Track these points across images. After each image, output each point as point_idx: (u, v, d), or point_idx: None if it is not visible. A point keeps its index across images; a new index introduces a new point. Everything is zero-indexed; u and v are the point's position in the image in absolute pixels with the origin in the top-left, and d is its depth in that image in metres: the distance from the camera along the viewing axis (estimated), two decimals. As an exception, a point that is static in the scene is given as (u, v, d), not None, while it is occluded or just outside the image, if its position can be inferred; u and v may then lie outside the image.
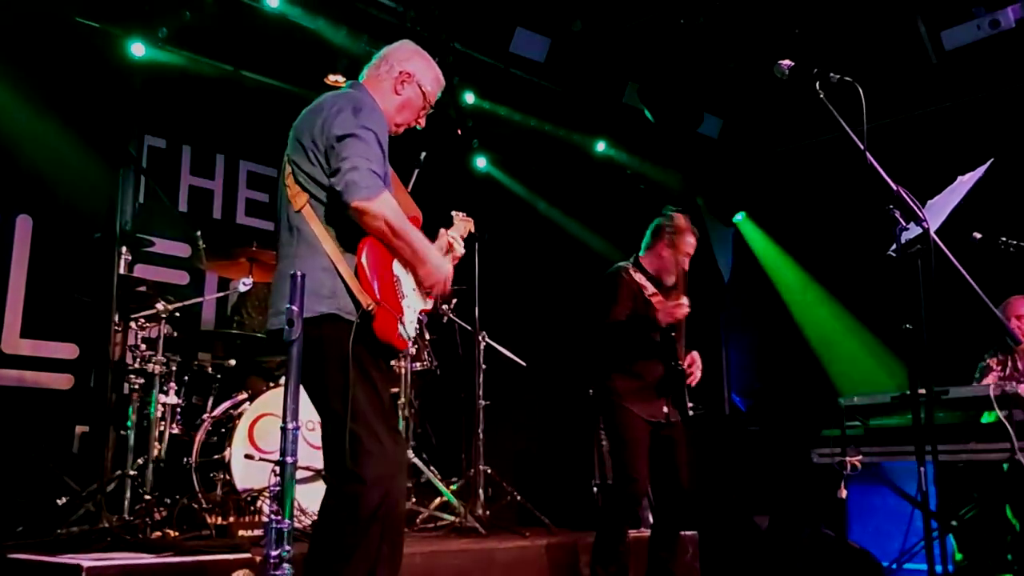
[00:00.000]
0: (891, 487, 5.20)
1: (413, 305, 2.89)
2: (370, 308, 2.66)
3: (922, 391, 3.14)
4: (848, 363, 7.61)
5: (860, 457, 4.90)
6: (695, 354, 4.39)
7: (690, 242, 4.47)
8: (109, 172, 5.63)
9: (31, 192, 5.45)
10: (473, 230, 3.33)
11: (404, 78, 3.02)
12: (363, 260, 2.70)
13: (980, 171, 3.58)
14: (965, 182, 3.56)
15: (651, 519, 5.10)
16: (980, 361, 5.77)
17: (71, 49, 5.61)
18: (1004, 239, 4.61)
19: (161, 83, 5.90)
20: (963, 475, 4.95)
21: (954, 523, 5.08)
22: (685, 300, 4.21)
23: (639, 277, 4.39)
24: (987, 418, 4.68)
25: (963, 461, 4.74)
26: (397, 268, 2.84)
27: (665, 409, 4.33)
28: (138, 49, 5.77)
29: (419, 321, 2.95)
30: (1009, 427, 4.49)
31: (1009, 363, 5.72)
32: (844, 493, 4.89)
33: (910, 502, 4.91)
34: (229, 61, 6.22)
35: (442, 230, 3.17)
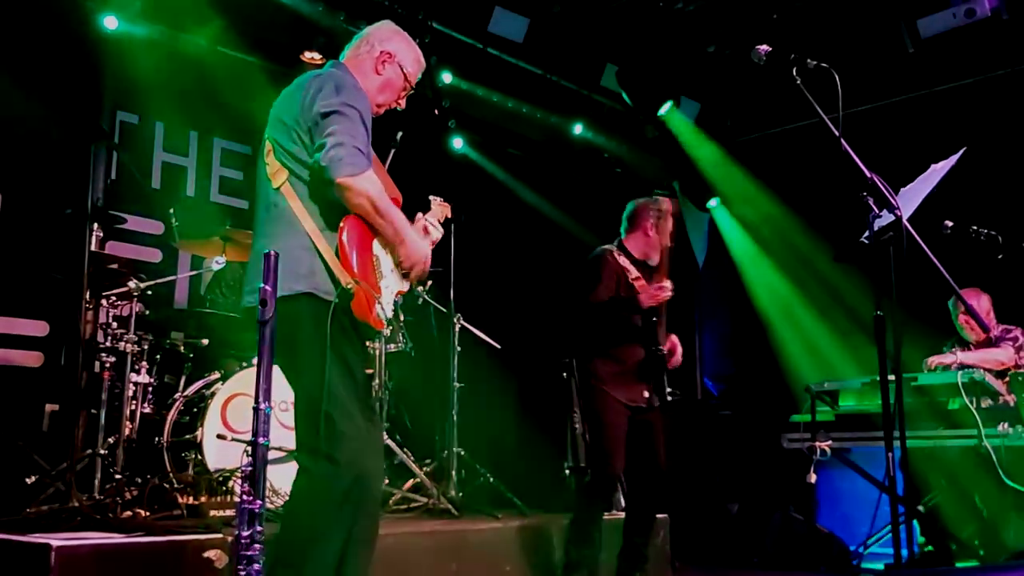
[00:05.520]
0: (859, 472, 5.26)
1: (392, 286, 2.89)
2: (349, 286, 2.65)
3: (891, 377, 3.17)
4: (819, 349, 7.66)
5: (829, 443, 4.96)
6: (674, 338, 4.40)
7: (669, 226, 4.49)
8: (81, 148, 5.56)
9: (1, 168, 5.36)
10: (450, 215, 3.33)
11: (385, 58, 3.01)
12: (344, 238, 2.70)
13: (953, 160, 3.61)
14: (938, 170, 3.59)
15: (623, 502, 5.15)
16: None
17: (42, 22, 5.51)
18: (975, 228, 4.66)
19: (134, 57, 5.80)
20: (930, 461, 5.02)
21: (921, 508, 5.15)
22: (668, 283, 4.21)
23: (623, 260, 4.39)
24: (953, 405, 4.76)
25: (931, 447, 4.81)
26: (377, 248, 2.83)
27: (646, 394, 4.32)
28: (111, 22, 5.68)
29: (394, 303, 2.94)
30: (975, 414, 4.57)
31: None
32: (813, 478, 4.95)
33: (878, 487, 4.98)
34: (204, 36, 6.13)
35: (419, 214, 3.16)
